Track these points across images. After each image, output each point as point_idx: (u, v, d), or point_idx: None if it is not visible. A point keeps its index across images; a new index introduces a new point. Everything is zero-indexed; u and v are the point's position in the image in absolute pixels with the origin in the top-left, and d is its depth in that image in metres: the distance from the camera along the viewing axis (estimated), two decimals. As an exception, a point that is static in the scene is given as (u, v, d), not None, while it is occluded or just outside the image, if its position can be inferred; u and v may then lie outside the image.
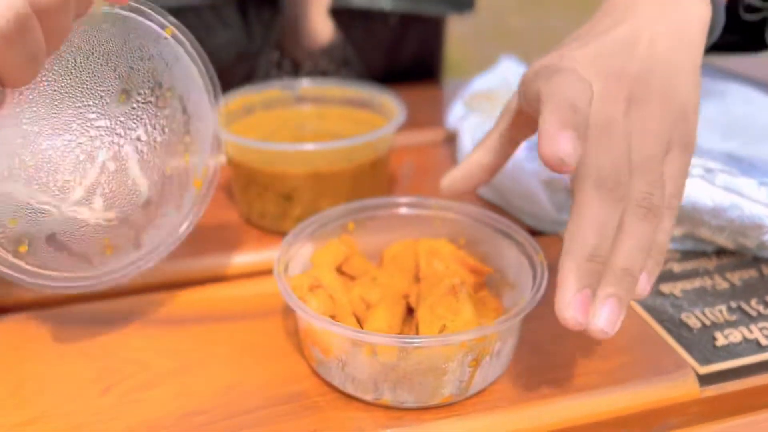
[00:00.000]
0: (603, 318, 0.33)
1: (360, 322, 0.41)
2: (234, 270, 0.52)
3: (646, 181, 0.35)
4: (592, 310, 0.34)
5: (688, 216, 0.51)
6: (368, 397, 0.38)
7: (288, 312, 0.46)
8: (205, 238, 0.55)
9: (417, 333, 0.39)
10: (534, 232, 0.56)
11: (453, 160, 0.68)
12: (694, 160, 0.51)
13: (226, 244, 0.54)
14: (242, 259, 0.53)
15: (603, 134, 0.35)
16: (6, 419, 0.38)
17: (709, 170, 0.51)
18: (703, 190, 0.50)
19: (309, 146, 0.51)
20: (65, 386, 0.40)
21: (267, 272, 0.50)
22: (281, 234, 0.55)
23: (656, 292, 0.48)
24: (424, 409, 0.38)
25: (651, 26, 0.39)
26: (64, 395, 0.39)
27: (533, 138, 0.57)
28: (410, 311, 0.43)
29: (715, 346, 0.43)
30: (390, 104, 0.59)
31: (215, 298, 0.48)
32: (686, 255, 0.52)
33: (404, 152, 0.68)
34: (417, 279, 0.45)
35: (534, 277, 0.40)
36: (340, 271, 0.44)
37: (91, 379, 0.41)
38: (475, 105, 0.64)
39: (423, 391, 0.37)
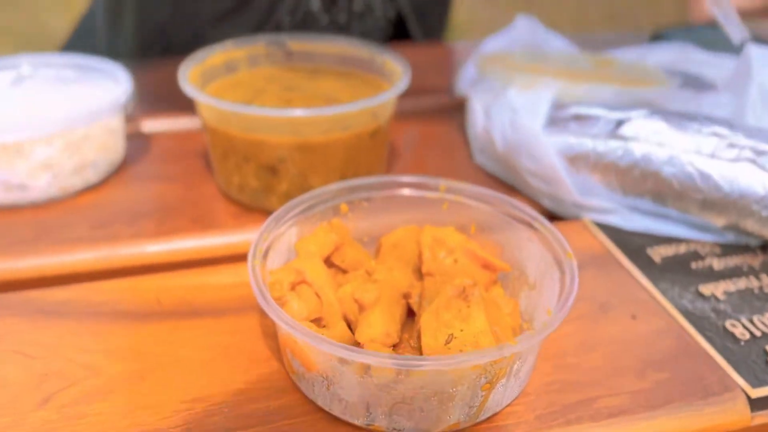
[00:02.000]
0: None
1: (351, 327, 0.34)
2: (206, 252, 0.46)
3: None
4: None
5: (734, 205, 0.44)
6: (358, 422, 0.32)
7: (268, 306, 0.40)
8: (176, 212, 0.48)
9: (420, 342, 0.33)
10: (552, 217, 0.49)
11: (461, 129, 0.61)
12: (743, 141, 0.44)
13: (199, 222, 0.47)
14: (217, 240, 0.46)
15: None
16: None
17: (760, 153, 0.44)
18: (752, 176, 0.43)
19: (298, 111, 0.44)
20: (-2, 394, 0.34)
21: (244, 257, 0.43)
22: (264, 212, 0.48)
23: (695, 292, 0.42)
24: (425, 437, 0.32)
25: None
26: (-5, 406, 0.33)
27: (556, 110, 0.50)
28: (411, 312, 0.36)
29: (767, 363, 0.37)
30: (392, 65, 0.52)
31: (184, 287, 0.41)
32: (727, 249, 0.45)
33: (405, 120, 0.60)
34: (419, 274, 0.38)
35: (561, 281, 0.33)
36: (329, 262, 0.38)
37: (29, 385, 0.34)
38: (487, 68, 0.57)
39: (425, 418, 0.31)
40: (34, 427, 0.32)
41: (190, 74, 0.48)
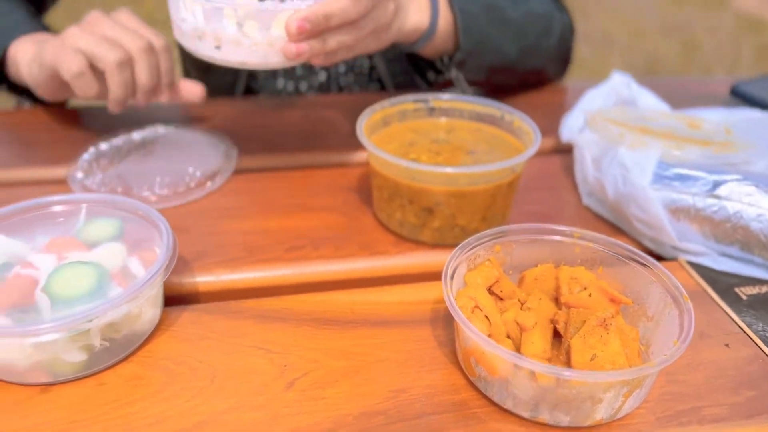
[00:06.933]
0: None
1: (514, 343, 0.45)
2: (376, 273, 0.57)
3: None
4: None
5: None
6: (525, 415, 0.43)
7: (436, 322, 0.51)
8: (346, 239, 0.60)
9: (568, 359, 0.44)
10: (652, 256, 0.59)
11: (568, 170, 0.72)
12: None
13: (366, 248, 0.59)
14: (382, 263, 0.58)
15: None
16: (211, 406, 0.44)
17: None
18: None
19: (456, 169, 0.55)
20: (253, 378, 0.46)
21: (407, 278, 0.55)
22: (416, 242, 0.59)
23: (776, 327, 0.52)
24: (576, 429, 0.43)
25: None
26: (254, 387, 0.45)
27: (661, 168, 0.60)
28: (556, 333, 0.47)
29: (836, 388, 0.46)
30: (521, 123, 0.63)
31: (367, 301, 0.53)
32: (802, 291, 0.55)
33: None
34: (557, 303, 0.49)
35: (681, 318, 0.44)
36: (490, 291, 0.49)
37: (274, 373, 0.46)
38: (597, 125, 0.67)
39: (579, 415, 0.42)
40: (287, 403, 0.44)
41: (364, 128, 0.60)
